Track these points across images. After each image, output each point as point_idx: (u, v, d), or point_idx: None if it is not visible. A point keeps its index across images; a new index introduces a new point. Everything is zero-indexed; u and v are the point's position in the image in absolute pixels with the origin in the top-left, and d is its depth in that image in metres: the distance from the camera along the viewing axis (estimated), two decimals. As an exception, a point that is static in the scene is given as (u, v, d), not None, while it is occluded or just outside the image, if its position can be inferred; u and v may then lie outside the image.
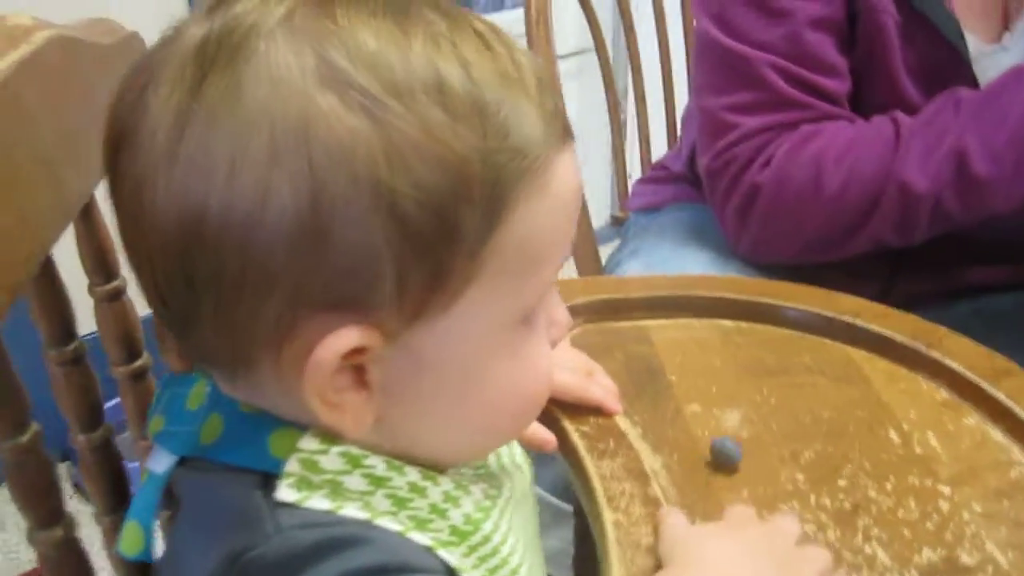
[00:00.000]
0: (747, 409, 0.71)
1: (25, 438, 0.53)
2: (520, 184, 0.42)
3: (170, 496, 0.48)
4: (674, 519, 0.58)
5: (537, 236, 0.43)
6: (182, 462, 0.47)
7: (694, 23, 1.06)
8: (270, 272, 0.40)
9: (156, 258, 0.42)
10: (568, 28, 2.17)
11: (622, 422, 0.69)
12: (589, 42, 1.40)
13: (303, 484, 0.43)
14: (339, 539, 0.42)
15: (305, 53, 0.39)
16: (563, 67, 2.41)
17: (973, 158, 0.90)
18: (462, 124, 0.40)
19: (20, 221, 0.49)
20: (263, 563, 0.41)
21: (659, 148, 1.44)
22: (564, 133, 0.45)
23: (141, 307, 0.66)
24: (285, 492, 0.43)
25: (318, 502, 0.43)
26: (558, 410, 0.69)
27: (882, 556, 0.58)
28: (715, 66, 1.03)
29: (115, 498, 0.64)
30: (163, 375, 0.54)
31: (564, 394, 0.69)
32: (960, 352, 0.74)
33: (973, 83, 0.98)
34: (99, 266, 0.63)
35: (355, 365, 0.43)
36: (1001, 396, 0.70)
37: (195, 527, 0.46)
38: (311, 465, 0.43)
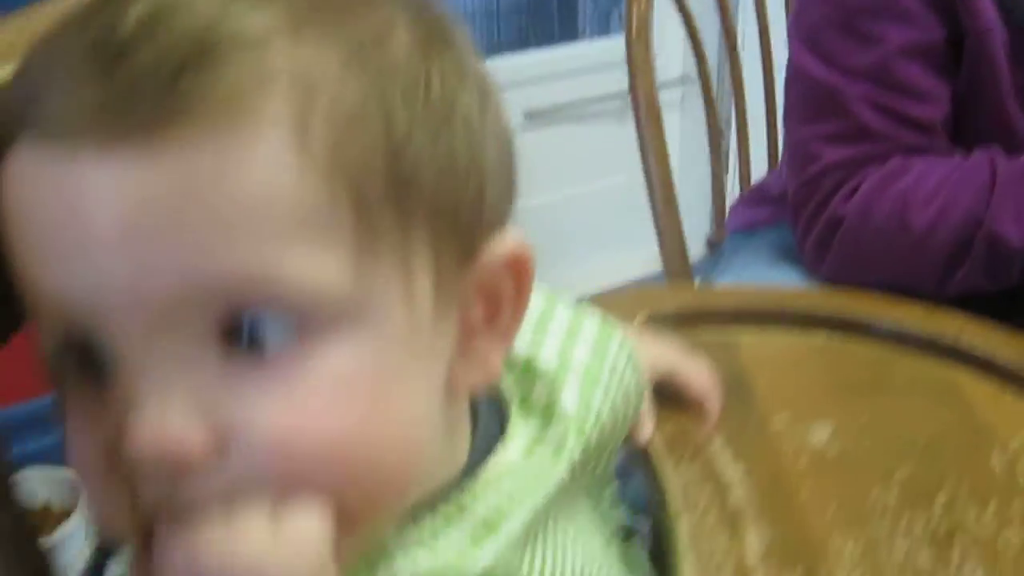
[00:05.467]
0: (836, 425, 0.67)
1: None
2: None
3: None
4: None
5: None
6: None
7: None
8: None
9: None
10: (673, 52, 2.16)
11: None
12: (694, 69, 1.38)
13: None
14: None
15: None
16: (667, 95, 2.40)
17: None
18: None
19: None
20: None
21: (760, 173, 1.40)
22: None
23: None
24: None
25: None
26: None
27: (980, 584, 0.54)
28: (802, 94, 1.00)
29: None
30: None
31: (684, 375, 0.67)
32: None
33: None
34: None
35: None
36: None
37: None
38: None
